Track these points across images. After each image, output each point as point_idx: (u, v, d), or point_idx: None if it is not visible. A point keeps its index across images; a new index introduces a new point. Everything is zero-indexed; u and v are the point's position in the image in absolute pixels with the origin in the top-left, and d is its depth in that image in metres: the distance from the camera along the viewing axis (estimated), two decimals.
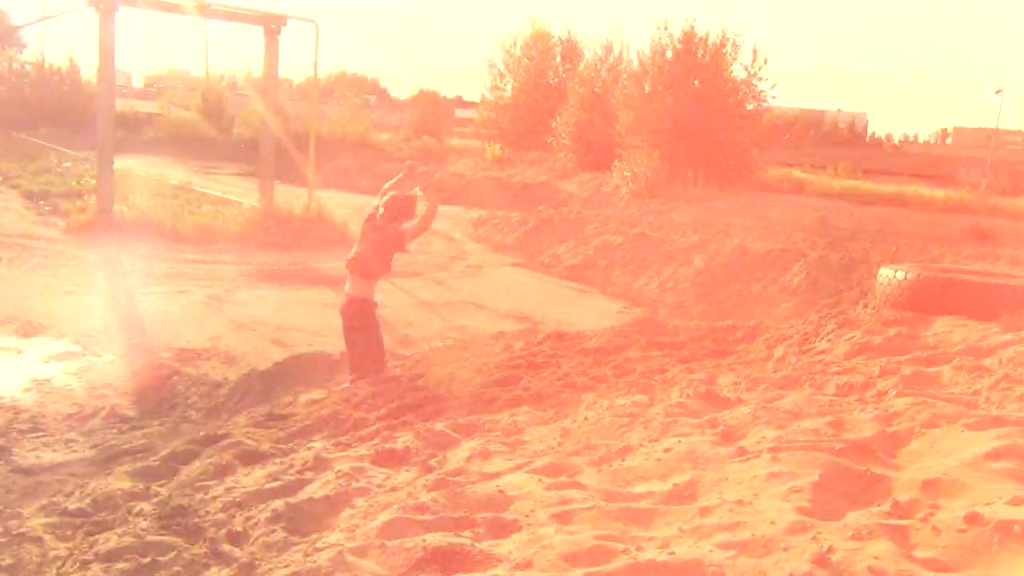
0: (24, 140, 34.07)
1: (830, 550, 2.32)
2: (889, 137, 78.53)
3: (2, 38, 42.35)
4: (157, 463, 4.69)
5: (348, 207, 21.05)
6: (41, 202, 19.43)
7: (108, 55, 16.47)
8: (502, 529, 2.68)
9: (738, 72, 28.32)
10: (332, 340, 9.48)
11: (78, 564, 2.80)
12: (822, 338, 5.80)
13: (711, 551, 2.36)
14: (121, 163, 20.73)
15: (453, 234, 21.10)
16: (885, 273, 6.42)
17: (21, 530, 3.43)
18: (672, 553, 2.34)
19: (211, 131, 41.86)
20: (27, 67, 43.04)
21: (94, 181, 18.20)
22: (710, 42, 28.06)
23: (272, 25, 18.16)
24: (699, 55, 28.06)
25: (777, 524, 2.54)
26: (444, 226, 22.40)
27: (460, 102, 63.87)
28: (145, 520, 3.17)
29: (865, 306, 7.06)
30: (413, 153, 39.16)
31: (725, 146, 27.66)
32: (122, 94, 43.74)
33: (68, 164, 26.03)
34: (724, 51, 28.06)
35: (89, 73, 39.96)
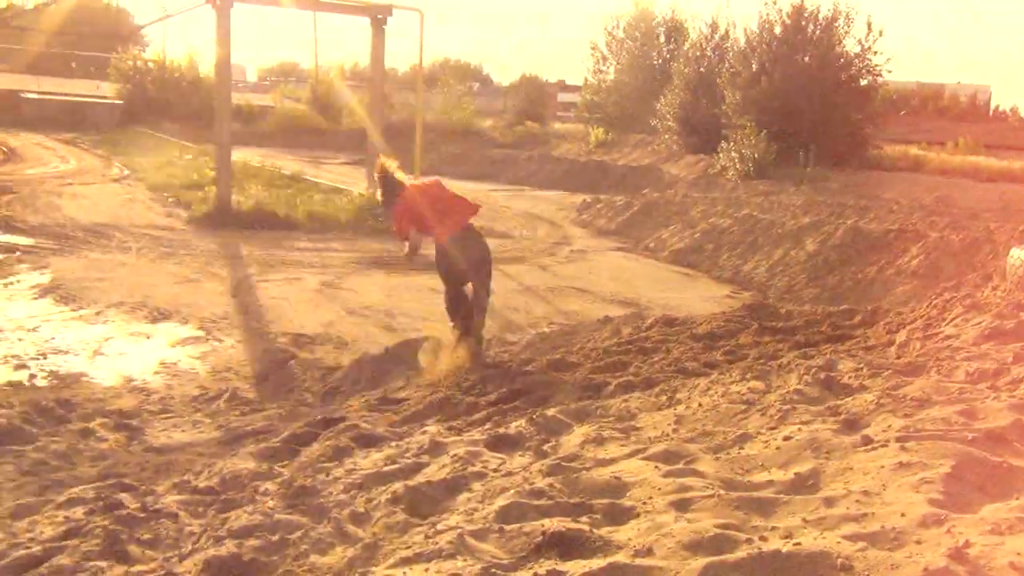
0: (148, 135, 35.75)
1: (967, 544, 2.22)
2: (1015, 110, 74.13)
3: (127, 37, 44.46)
4: (279, 444, 4.87)
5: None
6: (165, 194, 20.38)
7: (225, 50, 17.10)
8: (620, 515, 2.67)
9: (851, 46, 27.26)
10: (439, 325, 9.63)
11: (212, 540, 2.94)
12: (948, 323, 5.56)
13: (838, 543, 2.29)
14: (238, 155, 21.56)
15: (557, 219, 21.10)
16: (1017, 254, 6.10)
17: (157, 506, 3.61)
18: (798, 544, 2.28)
19: (321, 122, 43.10)
20: (150, 64, 45.08)
21: (213, 173, 18.97)
22: (821, 16, 27.08)
23: (378, 15, 18.48)
24: (809, 30, 27.12)
25: (908, 516, 2.44)
26: (548, 211, 22.44)
27: (563, 86, 63.66)
28: (271, 499, 3.29)
29: (994, 289, 6.70)
30: (517, 137, 39.31)
31: (837, 124, 26.69)
32: (237, 88, 45.42)
33: (189, 157, 27.19)
34: (836, 25, 27.04)
35: (207, 69, 41.61)
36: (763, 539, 2.40)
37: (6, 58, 49.86)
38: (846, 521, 2.49)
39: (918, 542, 2.30)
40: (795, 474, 2.92)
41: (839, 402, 3.72)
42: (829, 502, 2.65)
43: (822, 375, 4.18)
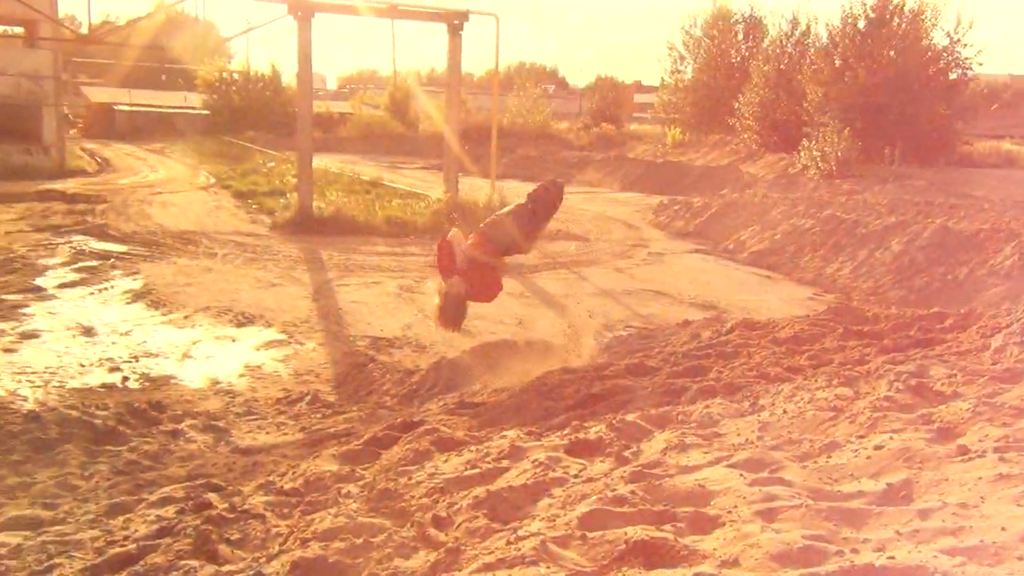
0: (232, 143, 36.80)
1: None
2: None
3: (213, 50, 45.86)
4: (360, 447, 4.94)
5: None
6: (249, 201, 20.95)
7: (306, 60, 17.48)
8: (705, 524, 2.62)
9: (939, 39, 26.33)
10: (516, 328, 9.66)
11: (298, 542, 2.99)
12: None
13: (935, 557, 2.20)
14: (318, 162, 22.02)
15: (633, 221, 20.94)
16: None
17: (245, 507, 3.70)
18: (891, 558, 2.21)
19: (399, 127, 43.74)
20: (235, 75, 46.42)
21: (295, 180, 19.42)
22: (907, 8, 26.24)
23: (455, 21, 18.64)
24: (895, 23, 26.31)
25: (1009, 531, 2.34)
26: (624, 213, 22.28)
27: (639, 87, 63.21)
28: (354, 502, 3.33)
29: None
30: (593, 140, 39.17)
31: (924, 119, 25.82)
32: (318, 96, 46.47)
33: (271, 164, 27.89)
34: (923, 17, 26.17)
35: (289, 78, 42.65)
36: (855, 552, 2.33)
37: (101, 73, 51.95)
38: (942, 535, 2.39)
39: (1020, 558, 2.19)
40: (887, 484, 2.82)
41: (932, 410, 3.58)
42: (924, 514, 2.55)
43: (913, 381, 4.04)
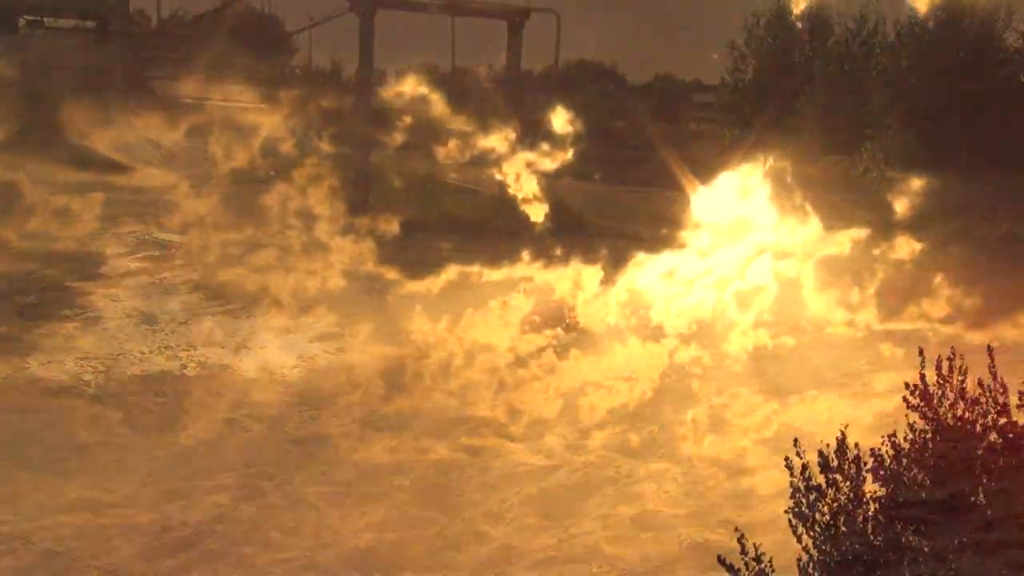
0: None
1: None
2: None
3: (276, 45, 46.39)
4: (411, 440, 4.96)
5: (583, 194, 21.23)
6: (306, 194, 21.12)
7: (367, 55, 17.65)
8: (761, 529, 2.57)
9: (1011, 40, 25.47)
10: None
11: (351, 531, 3.01)
12: None
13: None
14: (374, 157, 22.13)
15: (685, 221, 20.63)
16: None
17: (298, 496, 3.74)
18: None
19: (457, 123, 43.72)
20: (296, 71, 46.87)
21: (352, 175, 19.54)
22: (977, 8, 25.42)
23: (515, 19, 18.61)
24: (965, 24, 25.51)
25: None
26: (677, 212, 22.00)
27: (699, 86, 62.22)
28: (407, 495, 3.35)
29: None
30: (648, 139, 38.76)
31: (994, 123, 24.98)
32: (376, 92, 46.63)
33: (328, 159, 28.07)
34: (994, 18, 25.33)
35: (349, 73, 42.95)
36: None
37: (165, 66, 52.97)
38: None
39: None
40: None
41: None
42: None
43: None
